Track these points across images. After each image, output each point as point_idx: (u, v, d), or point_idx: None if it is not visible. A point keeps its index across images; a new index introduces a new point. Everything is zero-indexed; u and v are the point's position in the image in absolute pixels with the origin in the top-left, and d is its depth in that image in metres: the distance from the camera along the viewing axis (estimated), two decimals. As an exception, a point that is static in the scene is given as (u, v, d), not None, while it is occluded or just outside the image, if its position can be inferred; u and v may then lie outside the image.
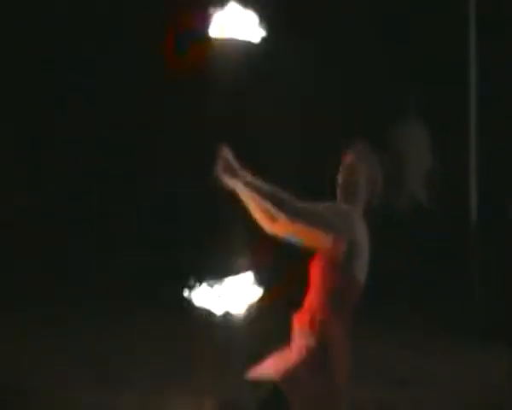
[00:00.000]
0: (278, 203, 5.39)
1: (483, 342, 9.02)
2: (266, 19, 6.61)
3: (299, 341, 5.55)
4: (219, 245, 11.10)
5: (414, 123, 11.06)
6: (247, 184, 5.40)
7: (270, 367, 5.51)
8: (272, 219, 5.58)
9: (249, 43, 6.26)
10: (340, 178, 5.55)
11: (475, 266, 10.00)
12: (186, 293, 6.33)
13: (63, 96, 13.36)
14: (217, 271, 6.07)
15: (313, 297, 5.54)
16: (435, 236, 10.72)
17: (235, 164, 5.41)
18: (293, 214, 5.39)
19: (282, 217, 5.39)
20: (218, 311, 5.98)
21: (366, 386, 6.91)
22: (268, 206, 5.41)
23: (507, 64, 11.39)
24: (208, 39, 6.43)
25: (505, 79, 11.38)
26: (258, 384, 5.54)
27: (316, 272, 5.55)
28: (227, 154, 5.46)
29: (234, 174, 5.42)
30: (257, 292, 6.02)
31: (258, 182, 5.40)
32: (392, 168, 10.48)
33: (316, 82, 12.24)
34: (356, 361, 7.16)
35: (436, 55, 11.50)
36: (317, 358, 5.44)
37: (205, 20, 6.60)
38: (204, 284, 5.93)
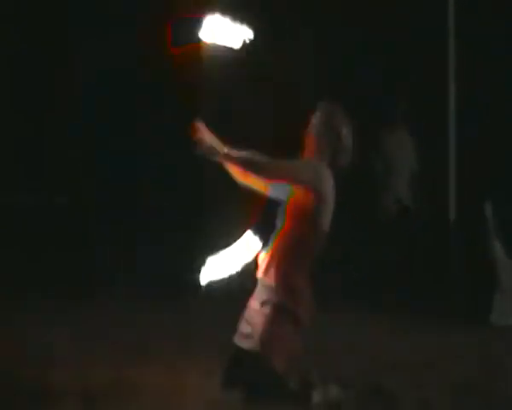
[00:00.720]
0: (254, 168, 5.78)
1: (463, 324, 9.20)
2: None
3: (265, 295, 5.79)
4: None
5: (400, 130, 11.17)
6: (224, 156, 5.78)
7: (245, 335, 5.76)
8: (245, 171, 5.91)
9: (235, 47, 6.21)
10: (307, 134, 5.94)
11: (455, 258, 10.36)
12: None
13: (63, 95, 13.12)
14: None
15: (280, 249, 5.81)
16: (420, 231, 10.93)
17: (212, 139, 5.77)
18: (269, 175, 5.78)
19: (259, 179, 5.80)
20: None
21: (362, 371, 6.83)
22: (245, 171, 5.80)
23: (484, 74, 11.37)
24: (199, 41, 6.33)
25: (481, 87, 11.36)
26: (241, 350, 5.76)
27: (283, 223, 5.84)
28: (204, 131, 5.77)
29: (211, 151, 5.75)
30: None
31: (234, 152, 5.79)
32: (381, 172, 11.25)
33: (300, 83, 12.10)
34: (351, 347, 7.66)
35: (418, 69, 11.51)
36: (284, 308, 5.71)
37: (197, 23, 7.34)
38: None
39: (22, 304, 9.90)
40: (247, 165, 5.79)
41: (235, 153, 5.81)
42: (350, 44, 11.97)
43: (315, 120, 5.96)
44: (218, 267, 5.81)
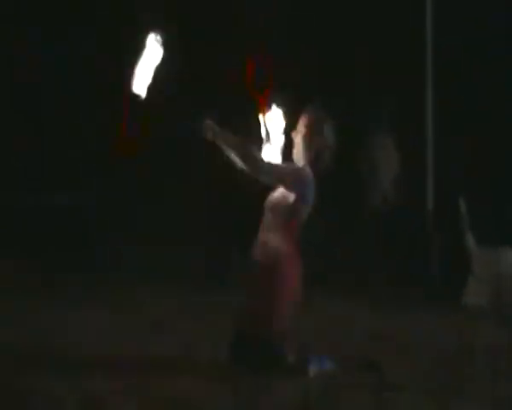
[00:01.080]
0: (247, 160, 5.88)
1: (439, 305, 9.26)
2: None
3: (258, 274, 5.88)
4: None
5: (384, 135, 11.07)
6: (224, 140, 5.92)
7: (246, 314, 5.88)
8: None
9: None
10: (296, 134, 6.10)
11: (433, 247, 10.38)
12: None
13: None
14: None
15: (264, 230, 5.98)
16: (402, 224, 10.85)
17: (216, 128, 5.92)
18: (256, 170, 5.90)
19: (249, 171, 5.90)
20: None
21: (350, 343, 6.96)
22: (233, 156, 5.91)
23: (458, 83, 11.46)
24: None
25: (456, 95, 11.42)
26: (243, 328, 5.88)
27: (268, 207, 6.00)
28: (211, 123, 5.93)
29: (215, 135, 5.91)
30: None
31: (236, 139, 5.91)
32: (368, 173, 11.32)
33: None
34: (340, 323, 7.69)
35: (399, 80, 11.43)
36: (272, 282, 5.82)
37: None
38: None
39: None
40: (242, 154, 5.90)
41: (235, 139, 5.93)
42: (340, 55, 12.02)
43: (303, 122, 6.10)
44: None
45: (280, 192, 6.01)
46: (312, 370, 5.82)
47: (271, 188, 6.10)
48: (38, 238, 11.83)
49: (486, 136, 11.22)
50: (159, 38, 6.15)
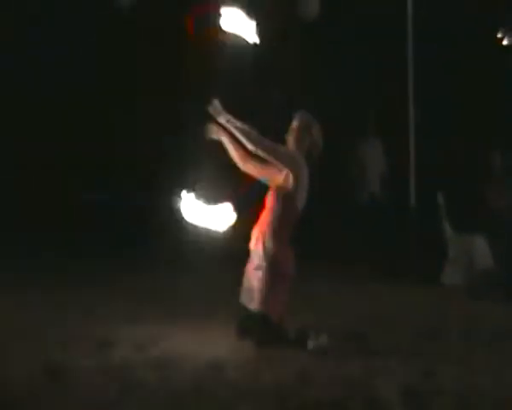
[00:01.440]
0: (248, 136, 5.91)
1: (417, 283, 9.26)
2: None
3: (257, 262, 5.93)
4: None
5: (371, 139, 11.19)
6: (229, 121, 5.97)
7: (247, 295, 5.92)
8: (245, 159, 6.09)
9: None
10: (290, 134, 6.13)
11: (413, 235, 10.24)
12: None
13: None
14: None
15: (266, 225, 5.97)
16: (387, 215, 10.84)
17: (221, 109, 5.98)
18: (258, 145, 5.92)
19: (249, 146, 5.93)
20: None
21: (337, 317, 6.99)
22: (241, 138, 5.92)
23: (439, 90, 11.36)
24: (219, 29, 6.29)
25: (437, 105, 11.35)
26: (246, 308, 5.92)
27: (269, 204, 5.99)
28: (217, 103, 6.00)
29: (220, 114, 5.97)
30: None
31: (237, 121, 5.97)
32: (356, 172, 11.34)
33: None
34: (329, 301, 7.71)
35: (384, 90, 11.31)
36: (271, 270, 5.86)
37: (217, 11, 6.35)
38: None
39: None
40: (243, 132, 5.96)
41: (237, 122, 6.00)
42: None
43: (294, 124, 6.16)
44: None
45: (277, 183, 6.02)
46: (310, 343, 5.88)
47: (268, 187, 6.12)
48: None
49: (461, 138, 11.23)
50: None
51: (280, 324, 5.87)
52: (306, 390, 4.96)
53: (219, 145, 6.22)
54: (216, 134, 6.16)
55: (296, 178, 5.95)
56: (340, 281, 9.26)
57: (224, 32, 6.27)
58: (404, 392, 4.89)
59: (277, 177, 6.02)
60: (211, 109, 6.03)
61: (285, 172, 5.98)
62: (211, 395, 4.81)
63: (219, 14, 6.18)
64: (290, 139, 6.15)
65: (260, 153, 5.99)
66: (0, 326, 6.62)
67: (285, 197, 5.97)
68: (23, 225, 11.26)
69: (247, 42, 6.27)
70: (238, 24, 6.18)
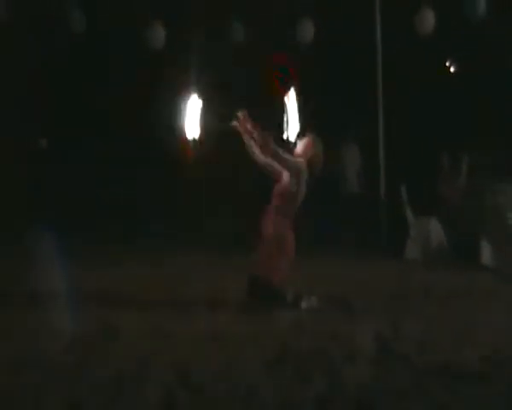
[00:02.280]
0: (266, 143, 5.82)
1: (386, 257, 9.27)
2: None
3: (265, 240, 5.91)
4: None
5: (351, 145, 11.11)
6: (252, 125, 5.90)
7: (255, 264, 5.86)
8: (264, 154, 5.93)
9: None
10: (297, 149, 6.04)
11: (384, 219, 10.29)
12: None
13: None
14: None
15: (272, 213, 5.94)
16: (363, 203, 10.76)
17: (248, 118, 5.89)
18: (272, 153, 5.85)
19: (265, 151, 5.88)
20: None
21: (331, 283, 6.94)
22: (260, 142, 5.83)
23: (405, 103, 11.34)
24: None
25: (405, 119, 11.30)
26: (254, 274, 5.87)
27: (275, 197, 5.94)
28: (245, 113, 5.92)
29: (247, 120, 5.89)
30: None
31: (258, 128, 5.88)
32: (340, 170, 11.32)
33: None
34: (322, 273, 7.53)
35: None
36: (276, 247, 5.86)
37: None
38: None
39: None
40: (265, 141, 5.85)
41: (257, 128, 5.87)
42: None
43: (302, 141, 6.08)
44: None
45: (283, 184, 5.96)
46: (304, 305, 5.90)
47: (275, 180, 6.01)
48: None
49: (418, 144, 11.15)
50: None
51: (280, 287, 5.86)
52: (300, 339, 4.99)
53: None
54: (240, 128, 5.98)
55: (298, 182, 5.91)
56: (327, 256, 9.20)
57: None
58: (375, 339, 4.94)
59: (284, 176, 5.97)
60: (240, 115, 5.94)
61: (290, 175, 5.93)
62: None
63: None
64: (297, 151, 6.06)
65: (272, 158, 5.93)
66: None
67: (288, 194, 5.93)
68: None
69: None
70: None
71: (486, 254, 8.62)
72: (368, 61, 10.44)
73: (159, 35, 10.55)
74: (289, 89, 6.15)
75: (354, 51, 10.82)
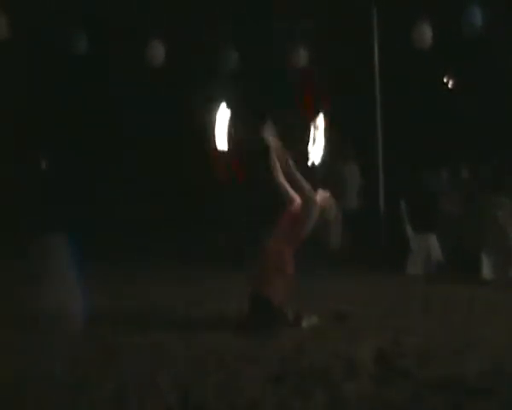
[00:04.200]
0: (288, 164, 5.66)
1: (390, 272, 9.03)
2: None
3: (266, 262, 5.77)
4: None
5: (349, 162, 10.90)
6: (276, 143, 5.71)
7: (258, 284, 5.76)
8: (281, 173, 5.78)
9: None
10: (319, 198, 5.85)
11: (384, 234, 10.20)
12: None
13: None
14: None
15: (276, 231, 5.82)
16: (365, 218, 10.50)
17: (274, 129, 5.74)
18: (292, 174, 5.68)
19: (285, 170, 5.73)
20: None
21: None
22: (281, 160, 5.66)
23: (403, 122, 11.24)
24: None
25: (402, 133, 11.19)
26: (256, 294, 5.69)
27: (283, 220, 5.83)
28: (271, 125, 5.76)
29: (272, 133, 5.73)
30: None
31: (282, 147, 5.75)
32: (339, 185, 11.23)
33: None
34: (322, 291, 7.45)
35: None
36: (276, 264, 5.75)
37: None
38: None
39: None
40: (287, 162, 5.72)
41: (280, 147, 5.74)
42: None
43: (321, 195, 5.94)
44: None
45: (294, 209, 5.85)
46: (305, 323, 5.87)
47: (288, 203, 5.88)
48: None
49: (417, 162, 11.01)
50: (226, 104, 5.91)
51: (280, 306, 5.80)
52: (301, 358, 4.96)
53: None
54: (270, 140, 5.81)
55: (308, 214, 5.76)
56: (327, 272, 8.95)
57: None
58: (376, 356, 4.91)
59: (297, 203, 5.87)
60: (266, 127, 5.81)
61: (303, 204, 5.81)
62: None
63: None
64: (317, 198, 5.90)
65: (290, 179, 5.81)
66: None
67: (296, 221, 5.81)
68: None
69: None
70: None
71: (487, 267, 8.61)
72: (367, 77, 10.46)
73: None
74: (319, 113, 6.06)
75: (354, 68, 10.83)
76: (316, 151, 5.94)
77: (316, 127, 5.95)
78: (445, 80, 12.64)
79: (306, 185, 5.77)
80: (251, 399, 4.01)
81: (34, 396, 4.02)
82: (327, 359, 4.85)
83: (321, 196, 5.94)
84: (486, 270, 8.61)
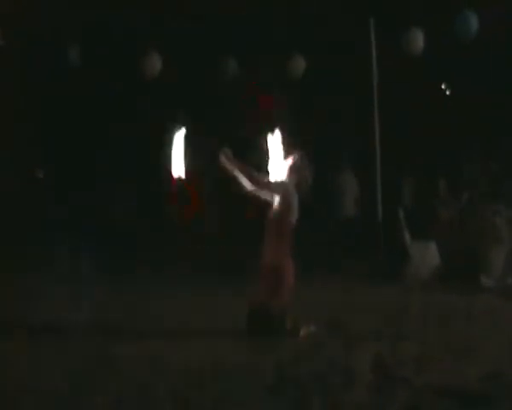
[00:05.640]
0: (251, 177, 5.81)
1: (387, 281, 8.96)
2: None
3: (265, 268, 5.82)
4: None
5: (346, 172, 11.23)
6: (235, 164, 5.84)
7: (258, 293, 5.80)
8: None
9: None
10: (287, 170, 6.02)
11: (380, 243, 10.05)
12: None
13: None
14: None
15: (268, 237, 5.88)
16: (361, 228, 10.80)
17: (231, 156, 5.83)
18: (258, 184, 5.83)
19: (250, 185, 5.80)
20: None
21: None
22: (244, 177, 5.77)
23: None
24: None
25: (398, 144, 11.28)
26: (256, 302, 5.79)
27: (269, 221, 5.93)
28: (228, 151, 5.83)
29: (229, 159, 5.82)
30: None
31: (240, 164, 5.82)
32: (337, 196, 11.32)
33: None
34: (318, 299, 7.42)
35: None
36: (276, 274, 5.77)
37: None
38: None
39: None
40: (249, 176, 5.84)
41: (240, 164, 5.84)
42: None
43: (289, 162, 6.05)
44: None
45: (274, 208, 5.90)
46: (303, 332, 5.84)
47: (268, 207, 5.95)
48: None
49: (413, 170, 11.19)
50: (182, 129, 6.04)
51: (279, 315, 5.78)
52: (299, 367, 4.93)
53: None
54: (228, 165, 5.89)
55: (286, 202, 5.87)
56: (325, 281, 9.08)
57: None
58: (374, 365, 4.87)
59: (274, 201, 5.94)
60: (222, 154, 5.89)
61: (278, 197, 5.91)
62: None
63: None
64: (286, 172, 6.04)
65: (258, 187, 5.91)
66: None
67: (279, 216, 5.88)
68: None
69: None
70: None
71: (485, 274, 8.62)
72: (363, 86, 10.42)
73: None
74: (273, 129, 6.18)
75: (351, 77, 10.91)
76: (273, 162, 6.10)
77: (271, 142, 6.10)
78: (442, 87, 12.69)
79: (271, 180, 5.94)
80: (249, 409, 3.98)
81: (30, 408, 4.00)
82: (325, 368, 4.82)
83: (289, 164, 6.01)
84: (485, 277, 8.61)
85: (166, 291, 8.35)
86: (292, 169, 6.05)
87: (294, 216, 5.95)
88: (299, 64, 10.78)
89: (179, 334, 5.99)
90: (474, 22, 9.77)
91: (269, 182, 5.99)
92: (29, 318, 6.49)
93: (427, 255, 9.20)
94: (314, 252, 10.03)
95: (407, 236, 9.44)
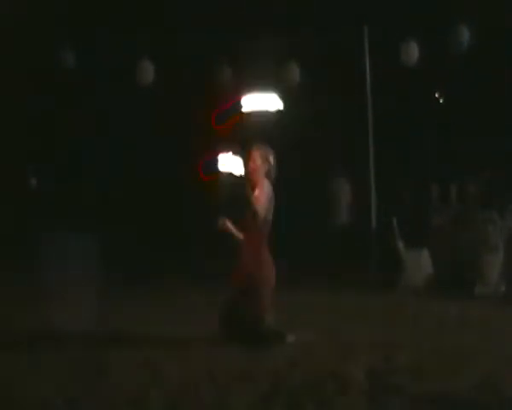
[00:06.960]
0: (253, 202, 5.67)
1: (379, 286, 9.10)
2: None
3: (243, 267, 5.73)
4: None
5: (341, 180, 11.21)
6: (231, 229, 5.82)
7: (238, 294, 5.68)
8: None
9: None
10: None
11: (373, 249, 9.95)
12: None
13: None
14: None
15: (247, 237, 5.81)
16: (354, 235, 10.74)
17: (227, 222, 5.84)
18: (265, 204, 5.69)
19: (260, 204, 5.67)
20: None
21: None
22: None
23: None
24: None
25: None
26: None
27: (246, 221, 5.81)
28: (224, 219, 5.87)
29: (226, 225, 5.85)
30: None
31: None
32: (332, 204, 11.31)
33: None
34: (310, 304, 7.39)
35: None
36: (256, 276, 5.69)
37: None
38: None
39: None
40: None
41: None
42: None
43: (255, 153, 5.90)
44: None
45: (251, 211, 5.74)
46: (290, 337, 5.75)
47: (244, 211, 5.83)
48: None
49: (407, 178, 11.18)
50: None
51: (265, 322, 5.68)
52: (292, 374, 4.91)
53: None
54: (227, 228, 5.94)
55: (270, 199, 5.80)
56: (318, 288, 9.02)
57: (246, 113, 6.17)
58: (368, 372, 4.86)
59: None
60: (220, 223, 5.88)
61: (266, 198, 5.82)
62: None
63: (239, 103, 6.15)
64: (252, 168, 5.89)
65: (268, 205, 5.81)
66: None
67: (265, 215, 5.75)
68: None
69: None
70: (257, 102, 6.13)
71: (478, 282, 8.63)
72: (358, 98, 10.40)
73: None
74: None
75: (348, 89, 10.86)
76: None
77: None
78: (436, 95, 12.73)
79: (267, 194, 5.83)
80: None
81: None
82: (318, 375, 4.80)
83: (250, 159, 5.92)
84: (478, 285, 8.63)
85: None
86: (260, 158, 5.90)
87: (270, 217, 5.83)
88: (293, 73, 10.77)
89: (170, 340, 5.96)
90: (466, 34, 9.84)
91: (266, 194, 5.84)
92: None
93: (420, 263, 9.21)
94: (307, 260, 10.02)
95: (400, 244, 9.44)
